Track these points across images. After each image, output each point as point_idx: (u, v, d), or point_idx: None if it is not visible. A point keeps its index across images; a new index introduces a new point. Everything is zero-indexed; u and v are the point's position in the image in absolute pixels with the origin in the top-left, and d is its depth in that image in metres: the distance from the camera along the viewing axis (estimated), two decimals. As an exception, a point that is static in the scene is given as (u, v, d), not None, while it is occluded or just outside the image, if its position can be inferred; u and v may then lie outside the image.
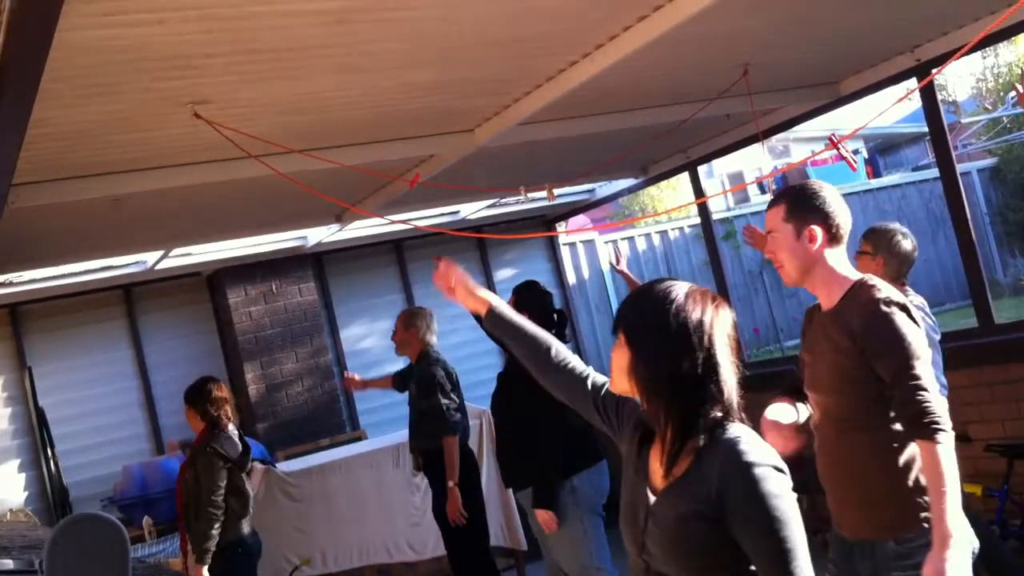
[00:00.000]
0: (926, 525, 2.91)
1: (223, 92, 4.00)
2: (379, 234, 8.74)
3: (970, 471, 5.71)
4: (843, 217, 3.15)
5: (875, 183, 17.14)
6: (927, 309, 4.70)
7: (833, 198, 3.16)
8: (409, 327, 6.40)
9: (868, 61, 6.06)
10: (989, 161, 17.65)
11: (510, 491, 6.95)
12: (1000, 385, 5.80)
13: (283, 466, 7.15)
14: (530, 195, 6.89)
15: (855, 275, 3.15)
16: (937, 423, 2.85)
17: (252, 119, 4.36)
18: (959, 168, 6.30)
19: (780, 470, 2.06)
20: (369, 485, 6.97)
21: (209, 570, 5.35)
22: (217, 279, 8.46)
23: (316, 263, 8.94)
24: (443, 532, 6.31)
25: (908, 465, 3.00)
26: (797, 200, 3.17)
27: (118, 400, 8.11)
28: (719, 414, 2.12)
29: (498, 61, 4.43)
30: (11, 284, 7.39)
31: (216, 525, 5.26)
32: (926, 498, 2.91)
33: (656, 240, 12.91)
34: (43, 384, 7.73)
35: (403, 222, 7.34)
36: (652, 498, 2.21)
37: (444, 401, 6.15)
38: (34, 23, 2.74)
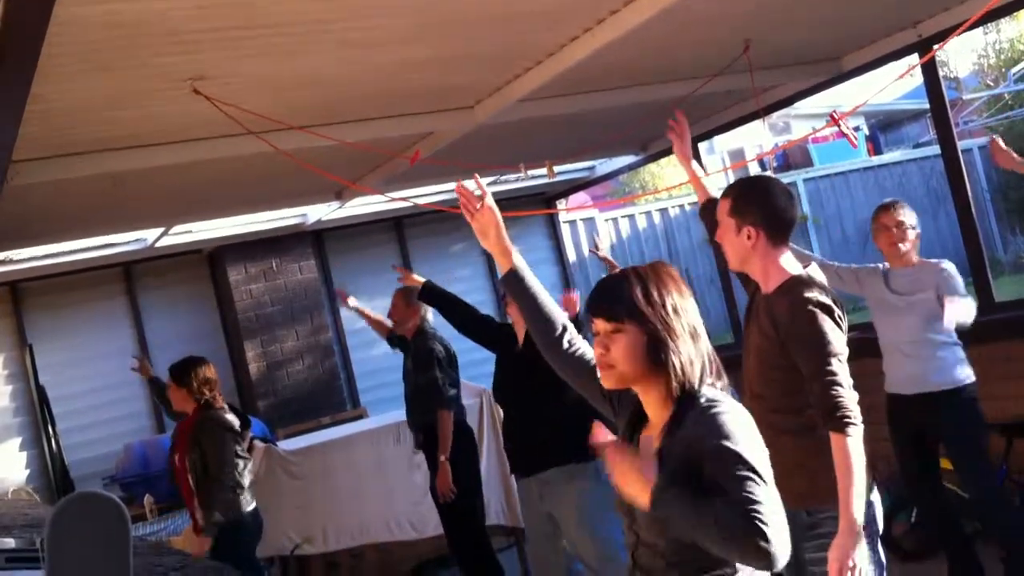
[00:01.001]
0: (831, 503, 3.05)
1: (222, 68, 3.99)
2: (379, 211, 8.73)
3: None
4: (785, 218, 3.32)
5: (876, 160, 17.11)
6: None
7: (777, 198, 3.32)
8: (411, 304, 6.37)
9: (869, 37, 6.03)
10: (990, 137, 17.59)
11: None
12: (1000, 363, 5.79)
13: (284, 444, 7.16)
14: (530, 172, 6.88)
15: (794, 270, 3.29)
16: (848, 417, 3.01)
17: (251, 95, 4.34)
18: (960, 145, 6.27)
19: (743, 414, 2.20)
20: (370, 463, 6.97)
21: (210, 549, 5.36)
22: (217, 256, 8.46)
23: (316, 240, 8.94)
24: (438, 508, 6.30)
25: (821, 444, 3.11)
26: (739, 198, 3.35)
27: (119, 378, 8.11)
28: (709, 383, 2.28)
29: (498, 37, 4.41)
30: (11, 262, 7.39)
31: (235, 495, 5.30)
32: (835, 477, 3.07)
33: (656, 218, 12.90)
34: (44, 362, 7.73)
35: (403, 199, 7.33)
36: None
37: (440, 375, 6.15)
38: (32, -1, 2.73)
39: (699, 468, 2.13)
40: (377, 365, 8.76)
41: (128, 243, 7.87)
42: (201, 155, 5.07)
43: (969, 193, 5.99)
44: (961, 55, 29.39)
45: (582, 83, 5.45)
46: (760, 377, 3.34)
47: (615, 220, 12.56)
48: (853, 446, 2.99)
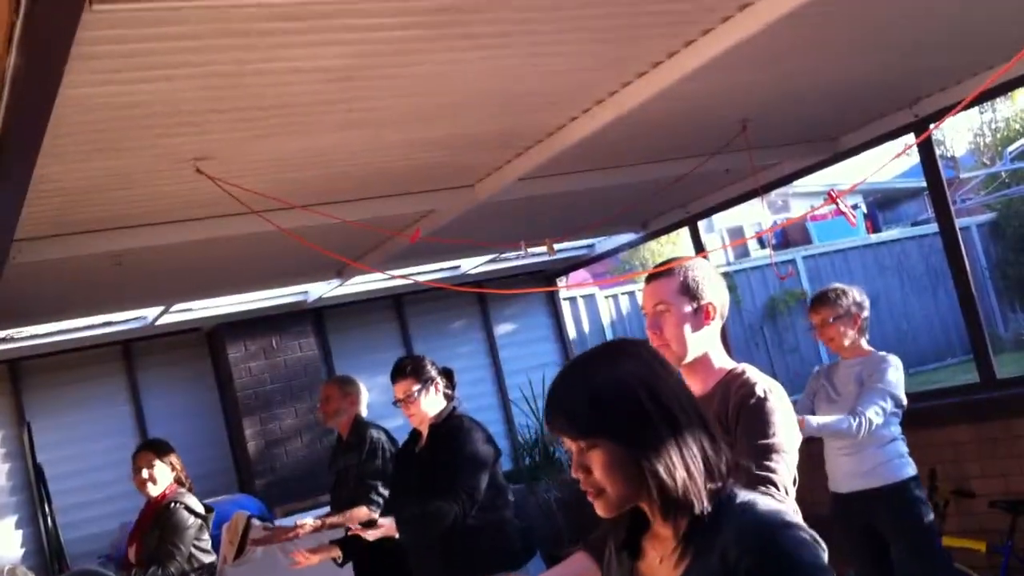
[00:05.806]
0: None
1: (226, 148, 4.02)
2: (379, 289, 8.74)
3: (974, 527, 5.67)
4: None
5: (874, 238, 17.21)
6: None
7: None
8: (347, 394, 5.99)
9: (866, 116, 6.10)
10: (988, 216, 17.71)
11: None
12: (1003, 440, 5.77)
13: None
14: (530, 250, 6.90)
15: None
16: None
17: (254, 175, 4.38)
18: (958, 223, 6.31)
19: (816, 539, 1.77)
20: (369, 542, 6.88)
21: None
22: (217, 334, 8.45)
23: (316, 318, 8.94)
24: None
25: None
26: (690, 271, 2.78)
27: (116, 456, 8.03)
28: (716, 484, 1.83)
29: (499, 117, 4.45)
30: (11, 340, 7.38)
31: None
32: None
33: (656, 295, 12.90)
34: (42, 440, 7.69)
35: (404, 277, 7.34)
36: None
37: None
38: (38, 80, 2.75)
39: None
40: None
41: (128, 321, 7.88)
42: (203, 234, 5.09)
43: (968, 270, 6.01)
44: (958, 134, 29.70)
45: (581, 162, 5.50)
46: None
47: (615, 297, 12.57)
48: None
